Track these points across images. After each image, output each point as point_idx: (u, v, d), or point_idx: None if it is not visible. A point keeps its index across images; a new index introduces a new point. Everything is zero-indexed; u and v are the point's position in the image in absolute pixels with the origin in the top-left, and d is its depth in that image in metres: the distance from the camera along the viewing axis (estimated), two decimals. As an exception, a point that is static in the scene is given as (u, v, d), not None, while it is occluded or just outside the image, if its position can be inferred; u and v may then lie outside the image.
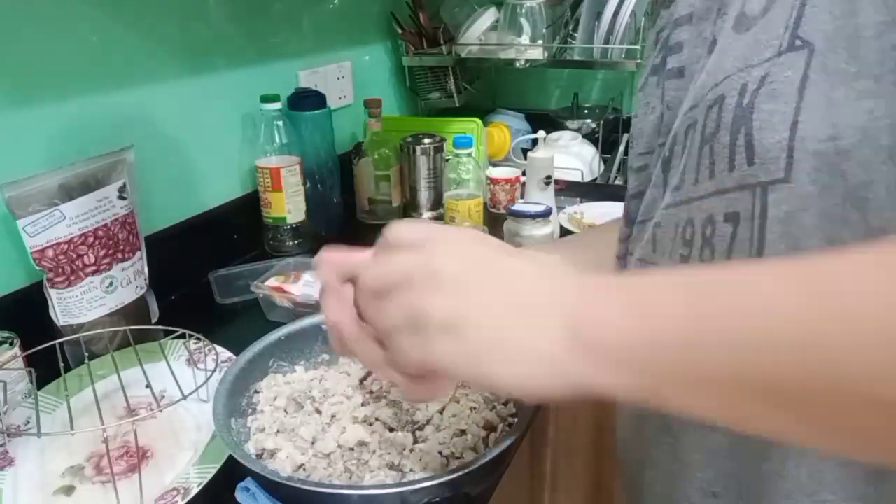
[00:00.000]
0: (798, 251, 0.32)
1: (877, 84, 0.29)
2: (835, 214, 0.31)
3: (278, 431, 0.64)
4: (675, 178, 0.39)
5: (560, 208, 1.24)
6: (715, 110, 0.35)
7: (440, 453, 0.61)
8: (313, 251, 1.13)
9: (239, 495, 0.58)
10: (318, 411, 0.66)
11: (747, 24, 0.34)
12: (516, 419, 0.63)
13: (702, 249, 0.37)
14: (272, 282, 0.93)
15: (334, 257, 0.43)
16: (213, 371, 0.69)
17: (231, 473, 0.60)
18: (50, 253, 0.77)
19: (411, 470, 0.59)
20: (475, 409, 0.66)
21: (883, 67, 0.29)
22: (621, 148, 1.57)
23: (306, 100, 1.18)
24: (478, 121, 1.39)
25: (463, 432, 0.63)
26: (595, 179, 1.51)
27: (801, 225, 0.32)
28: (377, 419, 0.64)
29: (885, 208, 0.30)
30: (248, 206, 1.15)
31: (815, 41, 0.31)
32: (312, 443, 0.62)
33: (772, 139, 0.32)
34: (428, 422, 0.64)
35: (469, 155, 1.11)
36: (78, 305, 0.80)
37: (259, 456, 0.62)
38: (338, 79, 1.37)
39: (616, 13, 1.31)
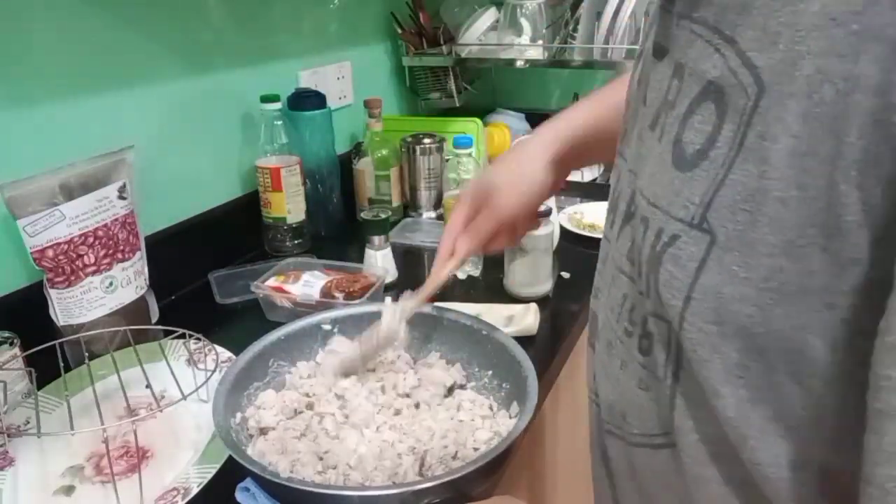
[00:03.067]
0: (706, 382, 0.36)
1: (758, 294, 0.32)
2: (723, 369, 0.35)
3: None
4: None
5: (560, 208, 1.24)
6: (640, 227, 0.40)
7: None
8: (313, 251, 1.14)
9: (239, 495, 0.58)
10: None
11: (680, 160, 0.36)
12: (517, 419, 0.63)
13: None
14: (272, 282, 0.93)
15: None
16: (213, 371, 0.69)
17: (231, 473, 0.60)
18: (50, 253, 0.77)
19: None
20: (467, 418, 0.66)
21: (769, 283, 0.32)
22: (621, 148, 1.57)
23: (306, 100, 1.18)
24: (478, 121, 1.39)
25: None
26: (595, 179, 1.51)
27: (704, 363, 0.36)
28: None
29: (760, 386, 0.34)
30: (248, 206, 1.15)
31: (718, 234, 0.33)
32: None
33: (670, 300, 0.36)
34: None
35: (469, 155, 1.11)
36: (78, 305, 0.80)
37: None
38: (338, 79, 1.37)
39: (616, 13, 1.31)
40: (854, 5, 0.28)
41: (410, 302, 0.70)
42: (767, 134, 0.31)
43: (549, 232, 0.96)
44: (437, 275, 0.69)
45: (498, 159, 0.72)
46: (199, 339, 0.76)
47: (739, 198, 0.32)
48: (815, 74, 0.29)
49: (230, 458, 0.59)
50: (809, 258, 0.30)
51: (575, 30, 1.39)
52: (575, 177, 1.46)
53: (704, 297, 0.34)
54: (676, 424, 0.40)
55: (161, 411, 0.69)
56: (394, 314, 0.69)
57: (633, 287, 0.43)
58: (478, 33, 1.47)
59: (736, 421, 0.35)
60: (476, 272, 1.05)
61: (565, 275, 1.04)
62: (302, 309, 0.88)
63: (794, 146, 0.30)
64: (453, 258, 0.69)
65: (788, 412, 0.33)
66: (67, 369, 0.73)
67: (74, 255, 0.79)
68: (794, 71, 0.30)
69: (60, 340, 0.75)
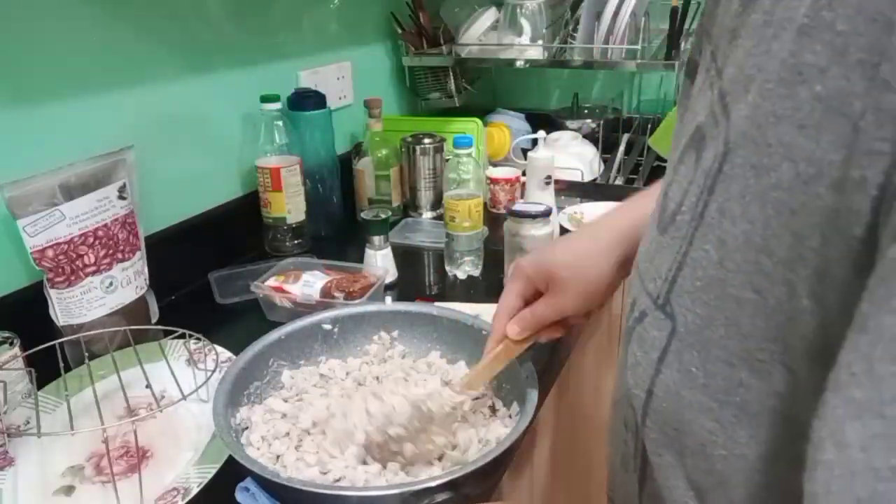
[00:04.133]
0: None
1: (719, 408, 0.27)
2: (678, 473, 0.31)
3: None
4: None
5: (560, 208, 1.24)
6: (628, 287, 0.36)
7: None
8: (313, 251, 1.14)
9: (239, 495, 0.58)
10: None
11: (661, 218, 0.31)
12: (518, 417, 0.63)
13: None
14: (272, 282, 0.93)
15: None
16: (213, 371, 0.69)
17: (231, 473, 0.60)
18: (50, 253, 0.77)
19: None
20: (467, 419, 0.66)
21: (729, 396, 0.27)
22: (621, 148, 1.57)
23: (306, 100, 1.18)
24: (478, 121, 1.39)
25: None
26: (595, 179, 1.51)
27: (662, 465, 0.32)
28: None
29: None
30: (248, 206, 1.15)
31: (678, 322, 0.29)
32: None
33: (633, 388, 0.32)
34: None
35: (469, 155, 1.11)
36: (78, 305, 0.80)
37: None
38: (338, 79, 1.37)
39: (616, 13, 1.31)
40: (820, 57, 0.22)
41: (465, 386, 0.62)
42: (727, 210, 0.25)
43: (548, 232, 0.96)
44: (490, 357, 0.61)
45: (563, 242, 0.61)
46: (199, 339, 0.76)
47: (700, 284, 0.27)
48: (776, 146, 0.23)
49: (230, 458, 0.59)
50: (773, 377, 0.25)
51: (575, 30, 1.39)
52: (575, 177, 1.46)
53: (665, 395, 0.29)
54: None
55: (161, 411, 0.69)
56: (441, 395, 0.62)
57: None
58: (478, 33, 1.46)
59: None
60: (476, 272, 1.05)
61: (565, 275, 1.04)
62: (302, 309, 0.88)
63: (749, 235, 0.24)
64: (506, 339, 0.60)
65: None
66: (67, 369, 0.73)
67: (74, 255, 0.79)
68: (759, 135, 0.24)
69: (60, 340, 0.75)
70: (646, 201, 0.55)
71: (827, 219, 0.22)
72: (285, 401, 0.70)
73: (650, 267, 0.31)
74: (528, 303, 0.59)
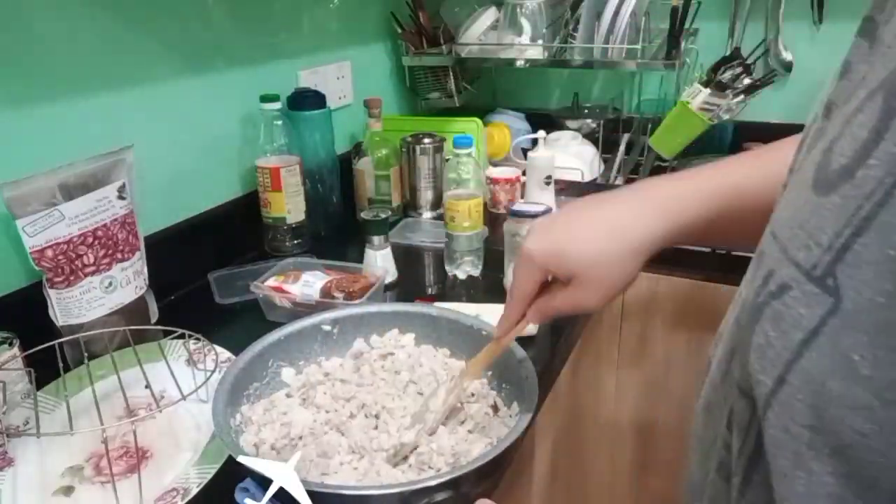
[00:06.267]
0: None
1: (882, 408, 0.23)
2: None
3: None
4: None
5: (560, 208, 1.24)
6: (755, 262, 0.31)
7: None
8: (313, 251, 1.13)
9: (238, 496, 0.58)
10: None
11: (820, 177, 0.26)
12: (518, 416, 0.63)
13: None
14: (272, 282, 0.93)
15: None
16: (213, 371, 0.69)
17: (231, 473, 0.60)
18: (49, 253, 0.77)
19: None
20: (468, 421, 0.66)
21: (891, 392, 0.22)
22: (621, 148, 1.57)
23: (306, 100, 1.18)
24: (478, 121, 1.39)
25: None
26: (595, 179, 1.51)
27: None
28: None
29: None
30: (248, 206, 1.15)
31: (844, 298, 0.24)
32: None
33: (759, 373, 0.27)
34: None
35: (469, 155, 1.11)
36: (77, 305, 0.80)
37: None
38: (338, 79, 1.37)
39: (616, 13, 1.31)
40: None
41: (469, 372, 0.65)
42: None
43: (549, 232, 0.95)
44: (501, 341, 0.60)
45: (582, 229, 0.53)
46: (198, 339, 0.76)
47: (894, 253, 0.22)
48: None
49: (230, 459, 0.59)
50: None
51: (575, 30, 1.39)
52: (575, 177, 1.45)
53: (803, 385, 0.25)
54: None
55: (160, 411, 0.69)
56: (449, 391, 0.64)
57: None
58: (478, 33, 1.46)
59: None
60: (476, 272, 1.05)
61: (565, 275, 1.04)
62: (302, 309, 0.88)
63: None
64: (520, 325, 0.58)
65: None
66: (67, 369, 0.73)
67: (74, 256, 0.78)
68: None
69: (60, 340, 0.75)
70: (697, 188, 0.51)
71: None
72: (288, 396, 0.70)
73: (800, 233, 0.26)
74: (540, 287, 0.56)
